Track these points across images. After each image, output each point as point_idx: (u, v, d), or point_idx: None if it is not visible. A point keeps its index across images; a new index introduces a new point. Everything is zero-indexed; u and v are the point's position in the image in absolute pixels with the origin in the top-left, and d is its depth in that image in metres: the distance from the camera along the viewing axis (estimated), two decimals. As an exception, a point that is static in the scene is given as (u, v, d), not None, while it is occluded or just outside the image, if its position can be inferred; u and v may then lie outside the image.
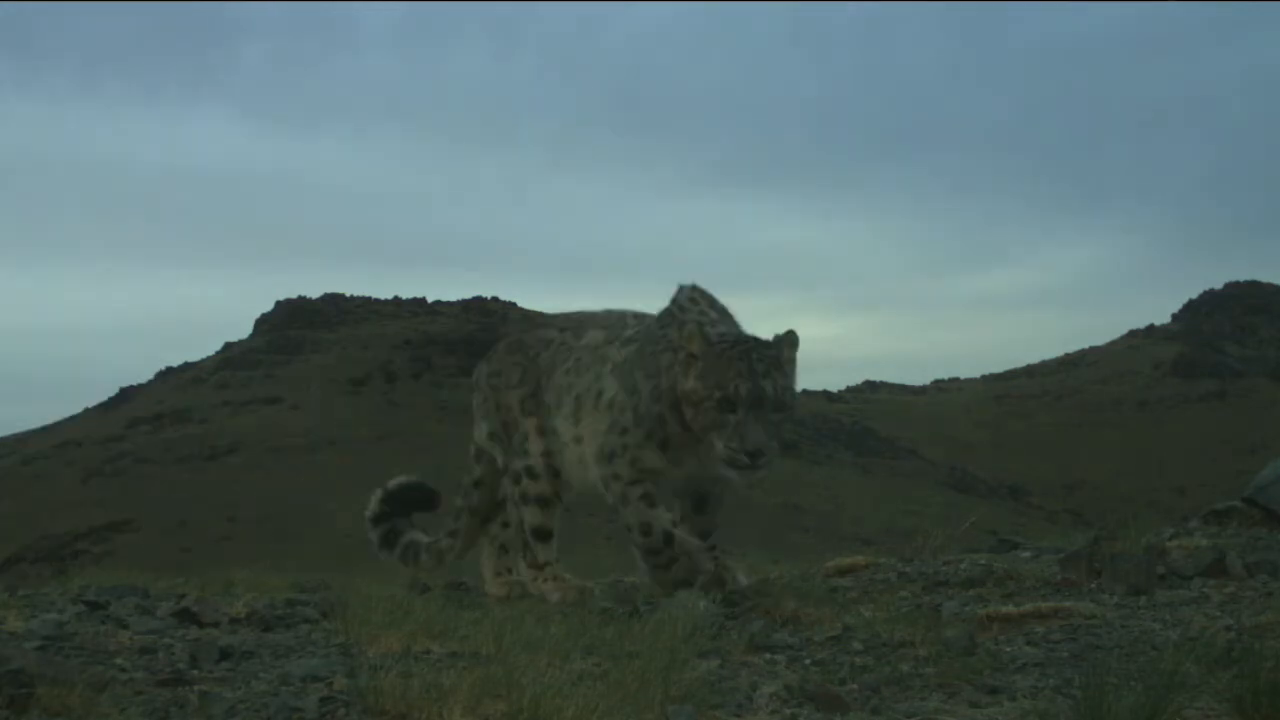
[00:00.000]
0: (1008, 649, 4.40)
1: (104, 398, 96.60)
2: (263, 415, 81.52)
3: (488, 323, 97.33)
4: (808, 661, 4.21)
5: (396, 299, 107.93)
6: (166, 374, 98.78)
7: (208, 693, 3.59)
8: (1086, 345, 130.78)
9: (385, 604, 4.74)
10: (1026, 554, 6.85)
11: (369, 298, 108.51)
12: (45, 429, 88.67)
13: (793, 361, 5.35)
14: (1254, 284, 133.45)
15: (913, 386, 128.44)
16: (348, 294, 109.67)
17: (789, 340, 5.36)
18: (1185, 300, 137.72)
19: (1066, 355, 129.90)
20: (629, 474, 5.55)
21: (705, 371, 5.19)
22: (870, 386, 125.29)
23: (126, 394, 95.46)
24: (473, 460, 6.47)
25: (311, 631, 4.77)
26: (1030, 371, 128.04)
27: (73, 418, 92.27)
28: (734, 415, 5.09)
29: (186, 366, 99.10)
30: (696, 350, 5.24)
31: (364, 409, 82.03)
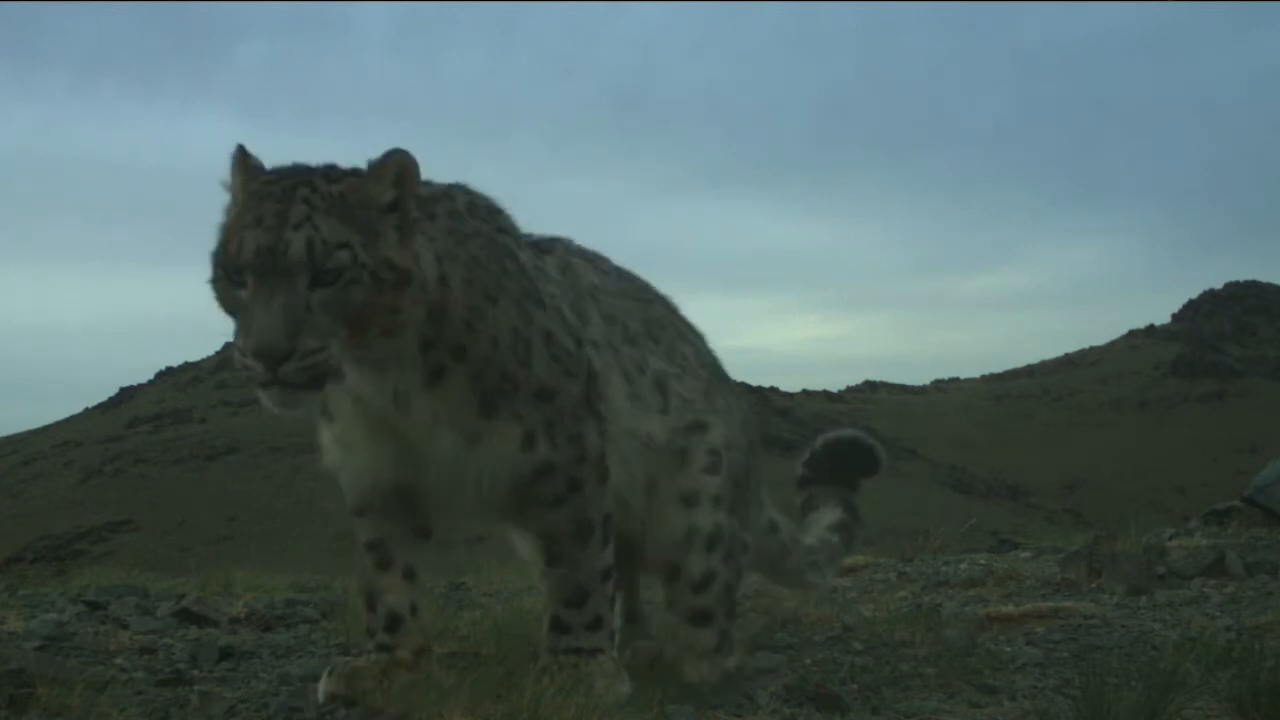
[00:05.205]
0: (1008, 649, 4.40)
1: (104, 398, 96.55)
2: (263, 415, 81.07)
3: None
4: (808, 661, 4.21)
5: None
6: (166, 374, 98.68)
7: (208, 693, 3.59)
8: (1086, 345, 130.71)
9: (385, 604, 4.73)
10: (1026, 554, 6.86)
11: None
12: (45, 429, 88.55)
13: (388, 208, 3.12)
14: (1254, 284, 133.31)
15: (913, 386, 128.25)
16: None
17: (385, 171, 3.15)
18: (1185, 300, 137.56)
19: (1066, 355, 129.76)
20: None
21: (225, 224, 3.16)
22: (870, 386, 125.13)
23: (126, 394, 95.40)
24: None
25: (311, 631, 4.78)
26: (1030, 371, 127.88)
27: (73, 418, 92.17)
28: (242, 293, 3.02)
29: (186, 366, 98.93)
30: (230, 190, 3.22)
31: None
